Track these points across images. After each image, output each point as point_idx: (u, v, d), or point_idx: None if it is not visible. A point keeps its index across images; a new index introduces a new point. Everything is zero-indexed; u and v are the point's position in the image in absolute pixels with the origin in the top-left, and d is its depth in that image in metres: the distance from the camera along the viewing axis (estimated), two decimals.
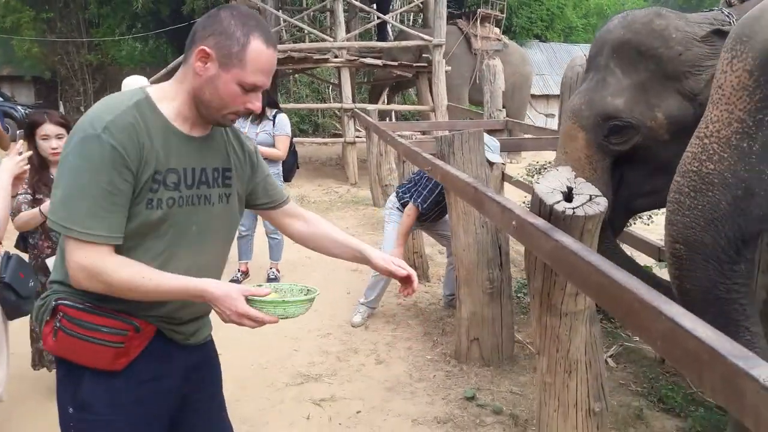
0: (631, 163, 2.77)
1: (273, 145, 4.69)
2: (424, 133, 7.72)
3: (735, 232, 1.86)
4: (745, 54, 1.80)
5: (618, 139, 2.70)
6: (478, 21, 12.38)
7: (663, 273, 4.31)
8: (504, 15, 14.12)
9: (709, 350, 1.05)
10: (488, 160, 3.95)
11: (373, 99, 13.34)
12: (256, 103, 1.43)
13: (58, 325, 1.40)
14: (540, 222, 1.86)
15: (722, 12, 2.62)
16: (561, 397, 2.16)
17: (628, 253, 4.57)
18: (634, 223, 4.76)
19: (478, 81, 11.03)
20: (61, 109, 16.98)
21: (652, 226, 4.93)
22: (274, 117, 4.74)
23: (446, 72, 10.43)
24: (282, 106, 5.67)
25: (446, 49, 10.87)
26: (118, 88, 4.38)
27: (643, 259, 4.18)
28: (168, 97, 1.43)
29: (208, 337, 1.68)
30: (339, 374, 3.49)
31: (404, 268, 1.61)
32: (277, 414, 3.06)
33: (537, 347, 2.26)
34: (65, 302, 1.41)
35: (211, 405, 1.70)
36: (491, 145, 4.01)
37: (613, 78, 2.69)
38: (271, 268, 5.14)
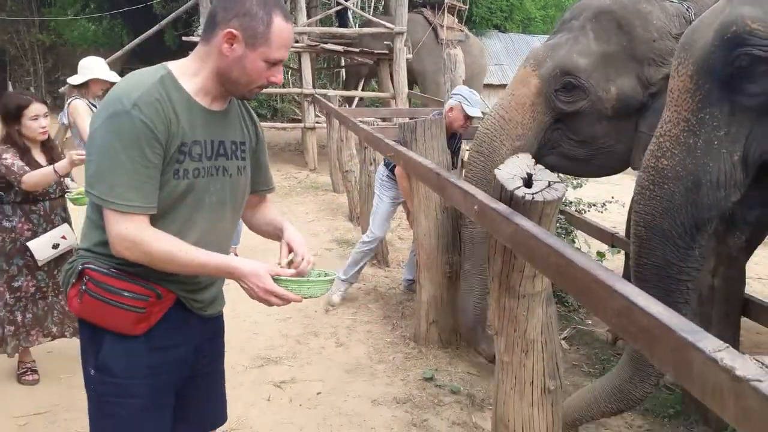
0: (565, 125, 2.94)
1: None
2: (384, 119, 7.73)
3: (688, 219, 2.04)
4: (687, 61, 2.03)
5: (567, 97, 2.86)
6: (445, 12, 12.43)
7: (616, 258, 4.49)
8: (466, 6, 14.21)
9: (661, 326, 1.12)
10: (467, 114, 3.93)
11: (350, 87, 13.37)
12: (278, 76, 1.51)
13: (83, 288, 1.47)
14: (501, 207, 1.92)
15: (682, 5, 2.79)
16: (518, 375, 2.23)
17: (582, 240, 4.74)
18: (588, 211, 4.90)
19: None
20: (10, 89, 16.30)
21: (605, 214, 5.09)
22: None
23: (414, 60, 10.46)
24: None
25: (416, 39, 10.95)
26: (72, 69, 4.25)
27: (596, 245, 4.32)
28: (189, 73, 1.48)
29: (221, 310, 1.73)
30: (299, 357, 3.51)
31: (301, 255, 1.58)
32: (237, 396, 3.05)
33: (495, 328, 2.32)
34: (91, 266, 1.47)
35: (215, 376, 1.77)
36: (471, 98, 3.94)
37: (585, 39, 2.84)
38: (229, 253, 5.09)
